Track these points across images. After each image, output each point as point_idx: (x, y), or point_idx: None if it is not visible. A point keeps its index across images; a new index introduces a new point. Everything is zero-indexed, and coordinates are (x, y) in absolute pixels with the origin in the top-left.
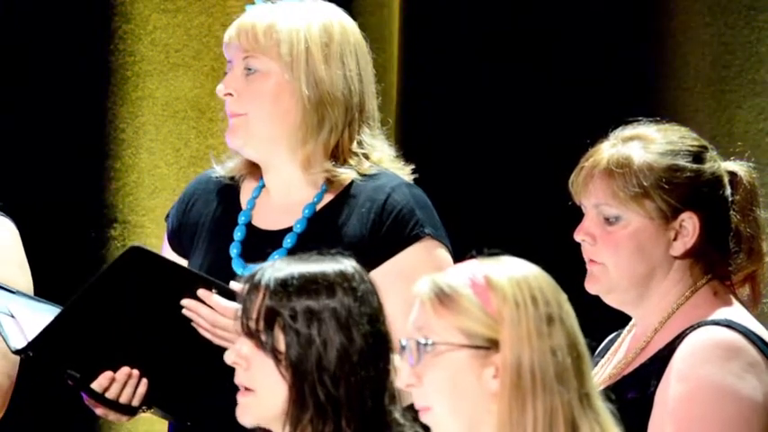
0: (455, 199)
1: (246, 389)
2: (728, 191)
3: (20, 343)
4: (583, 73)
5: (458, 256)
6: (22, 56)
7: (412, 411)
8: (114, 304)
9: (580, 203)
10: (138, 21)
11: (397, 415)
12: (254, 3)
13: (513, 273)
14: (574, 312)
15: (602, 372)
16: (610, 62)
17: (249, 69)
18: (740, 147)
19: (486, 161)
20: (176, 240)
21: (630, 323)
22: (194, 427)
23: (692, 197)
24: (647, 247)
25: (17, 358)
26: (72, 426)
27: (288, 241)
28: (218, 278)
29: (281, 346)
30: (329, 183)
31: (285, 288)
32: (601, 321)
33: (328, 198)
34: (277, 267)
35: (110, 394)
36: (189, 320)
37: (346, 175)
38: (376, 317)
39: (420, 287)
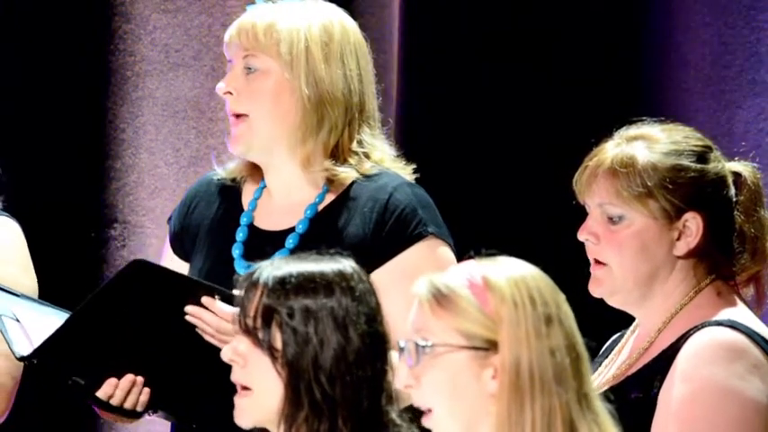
0: (455, 199)
1: (243, 387)
2: (732, 191)
3: (24, 349)
4: (583, 73)
5: (458, 256)
6: (22, 56)
7: (411, 412)
8: (118, 314)
9: (584, 203)
10: (138, 21)
11: (394, 415)
12: (254, 2)
13: (510, 273)
14: (573, 313)
15: (606, 372)
16: (610, 62)
17: (249, 68)
18: (744, 147)
19: (485, 161)
20: (178, 243)
21: (634, 323)
22: (199, 428)
23: (695, 197)
24: (651, 246)
25: None
26: (73, 425)
27: (290, 242)
28: (221, 279)
29: (278, 344)
30: (330, 183)
31: (283, 286)
32: (603, 322)
33: (330, 198)
34: (275, 266)
35: (114, 401)
36: (192, 327)
37: (346, 174)
38: (374, 317)
39: (418, 288)
